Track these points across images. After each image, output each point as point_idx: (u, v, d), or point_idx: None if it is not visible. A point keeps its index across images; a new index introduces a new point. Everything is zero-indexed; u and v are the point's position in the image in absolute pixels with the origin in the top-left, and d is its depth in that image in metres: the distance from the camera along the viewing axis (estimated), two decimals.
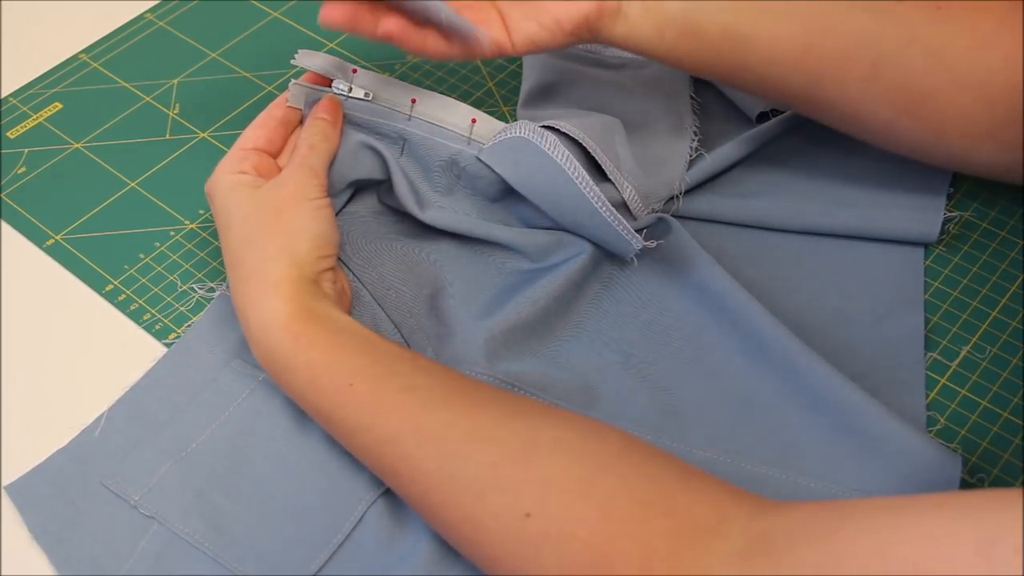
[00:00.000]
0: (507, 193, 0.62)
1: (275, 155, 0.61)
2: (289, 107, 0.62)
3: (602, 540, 0.43)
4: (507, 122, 0.62)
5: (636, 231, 0.61)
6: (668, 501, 0.44)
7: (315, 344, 0.52)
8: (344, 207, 0.64)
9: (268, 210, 0.56)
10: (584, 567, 0.43)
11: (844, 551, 0.38)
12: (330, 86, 0.62)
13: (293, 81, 0.62)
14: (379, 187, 0.64)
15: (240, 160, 0.59)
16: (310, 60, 0.62)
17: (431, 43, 0.58)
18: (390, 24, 0.56)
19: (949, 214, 0.63)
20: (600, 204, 0.57)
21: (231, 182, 0.57)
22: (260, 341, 0.53)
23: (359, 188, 0.64)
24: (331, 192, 0.60)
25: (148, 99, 0.75)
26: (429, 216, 0.62)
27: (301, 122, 0.62)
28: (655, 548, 0.42)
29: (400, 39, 0.57)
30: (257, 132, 0.61)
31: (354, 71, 0.62)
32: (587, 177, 0.57)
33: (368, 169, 0.62)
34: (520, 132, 0.59)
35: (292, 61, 0.63)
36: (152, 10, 0.81)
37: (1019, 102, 0.56)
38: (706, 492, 0.44)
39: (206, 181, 0.59)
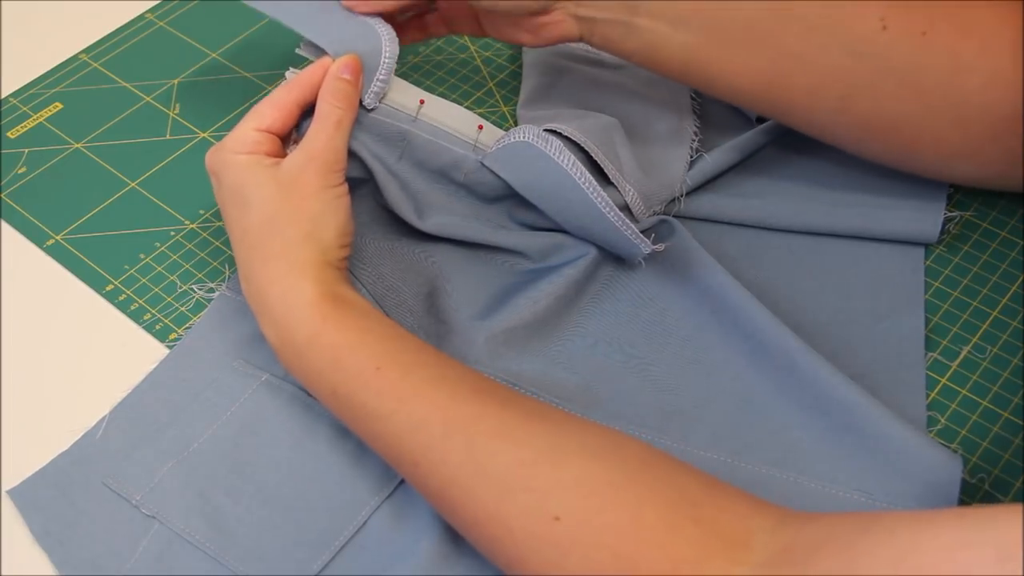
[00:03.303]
0: (508, 198, 0.62)
1: (284, 139, 0.58)
2: (307, 89, 0.58)
3: (630, 548, 0.43)
4: (508, 123, 0.62)
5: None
6: (695, 511, 0.43)
7: (342, 326, 0.51)
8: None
9: (292, 195, 0.54)
10: (610, 574, 0.43)
11: (863, 562, 0.37)
12: None
13: (291, 69, 0.60)
14: (375, 188, 0.64)
15: (255, 144, 0.56)
16: (317, 51, 0.60)
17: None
18: None
19: (949, 214, 0.63)
20: (608, 209, 0.57)
21: (246, 161, 0.55)
22: (280, 320, 0.52)
23: (356, 188, 0.64)
24: None
25: (148, 99, 0.75)
26: (428, 226, 0.61)
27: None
28: (682, 558, 0.42)
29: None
30: (274, 113, 0.57)
31: None
32: (593, 182, 0.57)
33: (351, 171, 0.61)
34: (524, 136, 0.58)
35: (297, 51, 0.61)
36: (152, 10, 0.81)
37: (994, 123, 0.55)
38: (730, 503, 0.44)
39: (208, 154, 0.57)
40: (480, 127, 0.61)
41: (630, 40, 0.59)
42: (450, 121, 0.61)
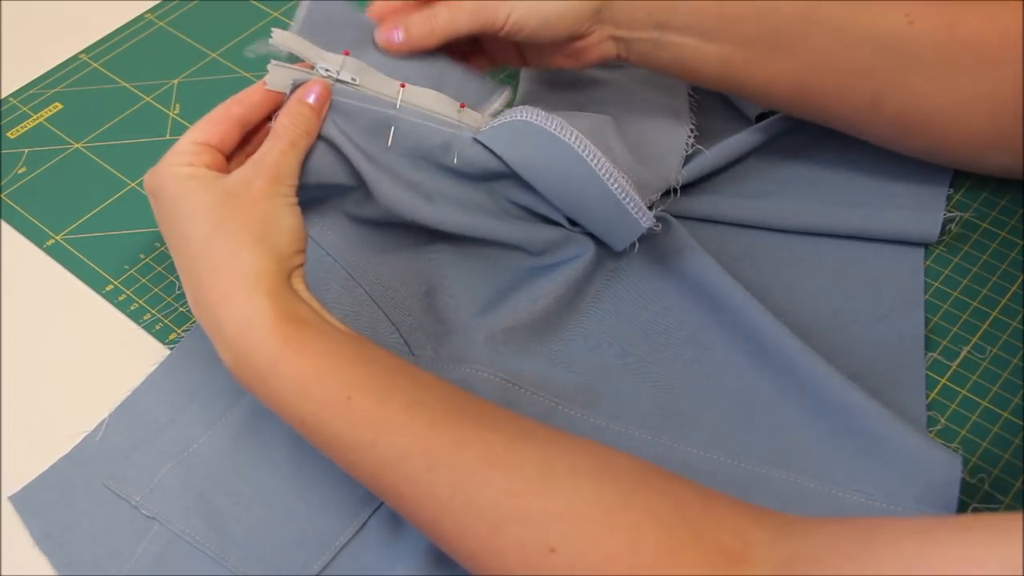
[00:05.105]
0: (499, 179, 0.61)
1: (227, 156, 0.55)
2: (250, 106, 0.56)
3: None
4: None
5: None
6: (693, 529, 0.42)
7: (306, 350, 0.47)
8: (341, 209, 0.63)
9: (240, 201, 0.50)
10: None
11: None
12: (312, 68, 0.57)
13: (273, 62, 0.57)
14: (366, 194, 0.62)
15: (193, 155, 0.52)
16: (290, 42, 0.58)
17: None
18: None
19: (949, 214, 0.63)
20: (611, 179, 0.56)
21: (186, 173, 0.52)
22: (235, 343, 0.48)
23: (351, 190, 0.63)
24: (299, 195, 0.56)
25: (148, 99, 0.75)
26: (435, 211, 0.60)
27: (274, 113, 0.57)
28: None
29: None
30: (211, 128, 0.54)
31: (346, 53, 0.58)
32: (598, 152, 0.56)
33: (331, 175, 0.59)
34: (525, 116, 0.57)
35: (270, 42, 0.58)
36: (152, 10, 0.81)
37: (1021, 113, 0.56)
38: (728, 516, 0.43)
39: (146, 176, 0.53)
40: (462, 105, 0.60)
41: (663, 55, 0.60)
42: (432, 104, 0.60)
